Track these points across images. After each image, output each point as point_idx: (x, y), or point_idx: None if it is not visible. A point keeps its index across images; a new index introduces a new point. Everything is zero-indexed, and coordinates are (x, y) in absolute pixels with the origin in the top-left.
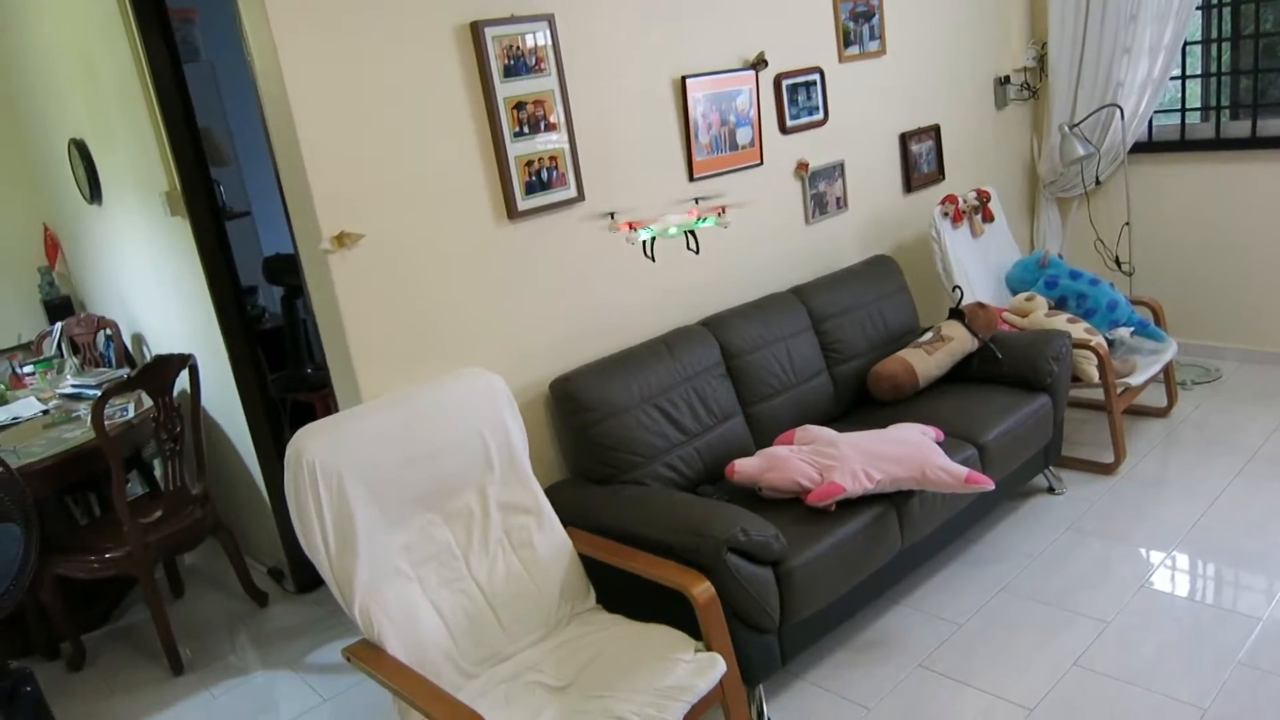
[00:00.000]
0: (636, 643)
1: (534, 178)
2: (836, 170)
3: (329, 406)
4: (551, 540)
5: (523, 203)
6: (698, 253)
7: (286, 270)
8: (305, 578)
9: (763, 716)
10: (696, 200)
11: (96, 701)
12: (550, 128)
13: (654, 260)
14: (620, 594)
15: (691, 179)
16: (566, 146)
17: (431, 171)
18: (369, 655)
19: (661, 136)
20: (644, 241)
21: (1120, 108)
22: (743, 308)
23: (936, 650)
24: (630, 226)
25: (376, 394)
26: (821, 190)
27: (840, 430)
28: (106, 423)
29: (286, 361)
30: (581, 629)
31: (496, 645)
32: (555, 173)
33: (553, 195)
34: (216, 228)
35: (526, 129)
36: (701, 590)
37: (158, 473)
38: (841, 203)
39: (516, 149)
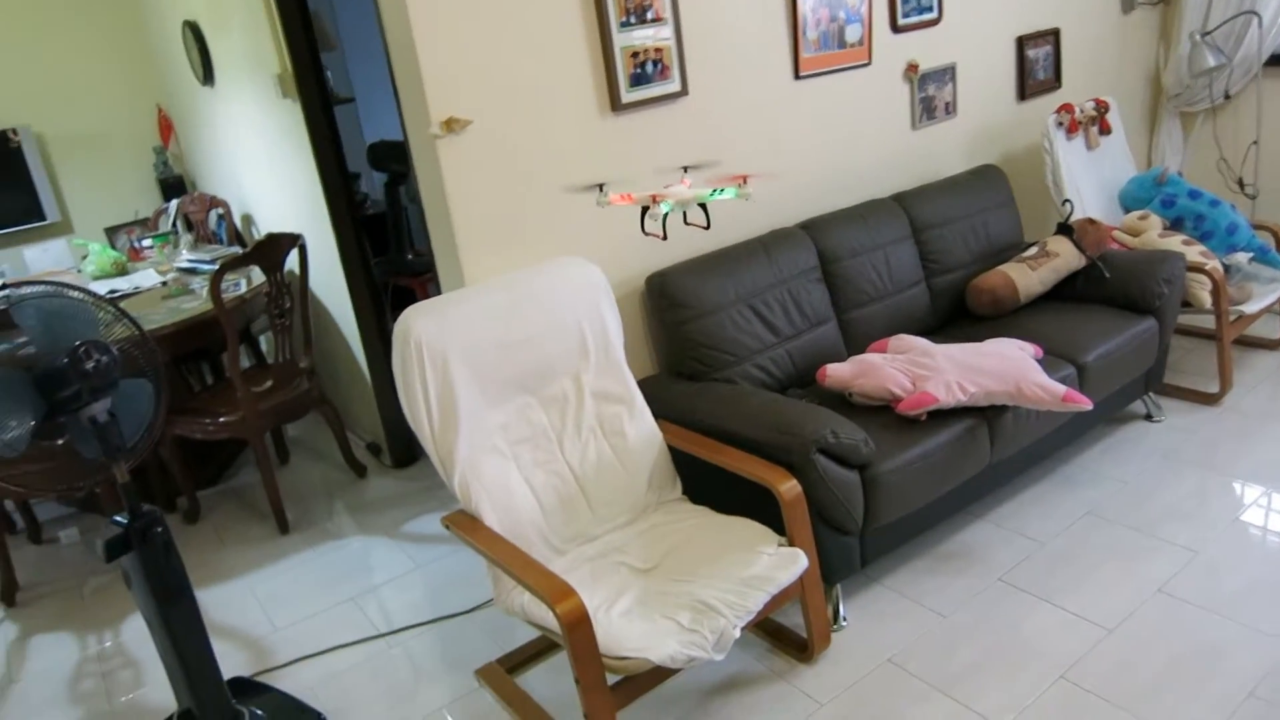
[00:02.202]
0: (720, 533)
1: (639, 70)
2: (947, 74)
3: (428, 292)
4: (641, 430)
5: (626, 95)
6: (708, 227)
7: (391, 157)
8: (401, 453)
9: (838, 615)
10: (685, 169)
11: (210, 552)
12: (657, 19)
13: (665, 238)
14: (705, 487)
15: (797, 76)
16: (673, 39)
17: (539, 60)
18: (467, 524)
19: (768, 32)
20: (663, 216)
21: (1258, 15)
22: (842, 212)
23: (1017, 566)
24: (626, 200)
25: (479, 278)
26: (930, 94)
27: (934, 342)
28: (221, 295)
29: (389, 246)
30: (666, 517)
31: (584, 525)
32: (660, 66)
33: (656, 89)
34: (326, 112)
35: (633, 19)
36: (788, 488)
37: (264, 347)
38: (950, 108)
39: (622, 40)
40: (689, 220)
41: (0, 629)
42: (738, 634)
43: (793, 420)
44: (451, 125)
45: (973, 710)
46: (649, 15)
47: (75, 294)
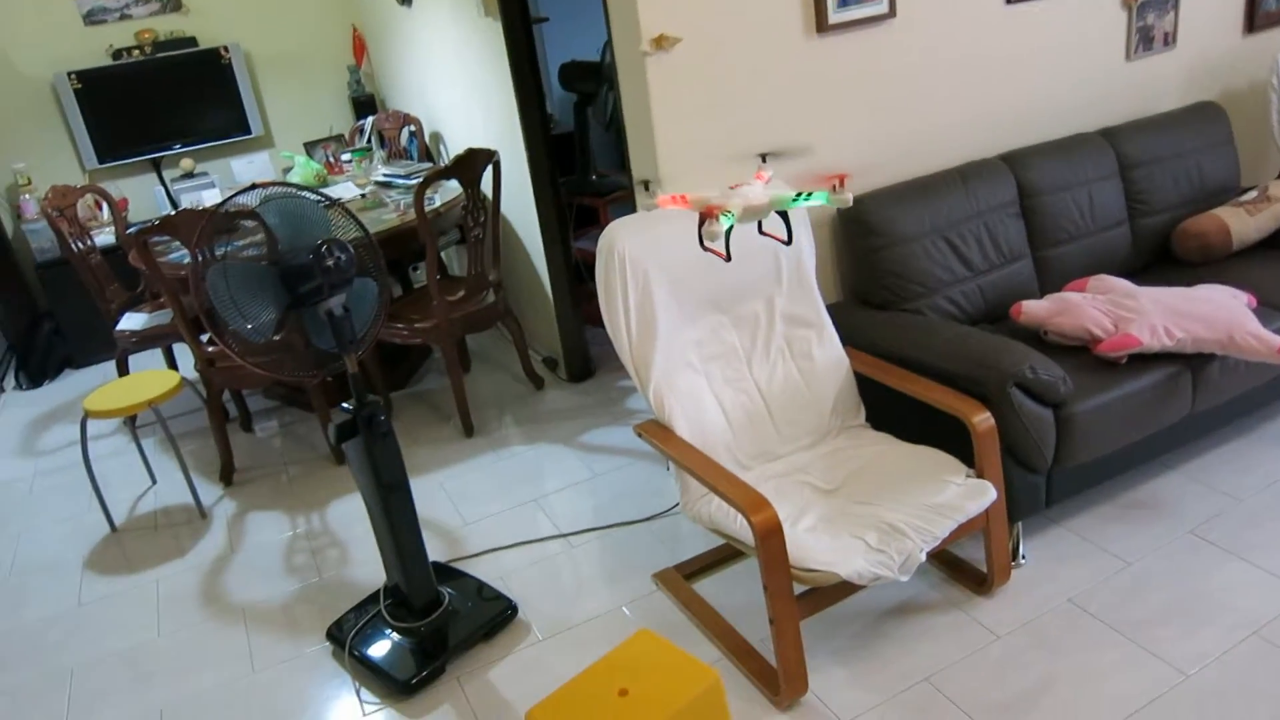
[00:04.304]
0: (906, 460)
1: None
2: (1169, 1)
3: (609, 213)
4: (829, 354)
5: (834, 15)
6: (789, 242)
7: (581, 77)
8: (577, 368)
9: (1018, 552)
10: (763, 158)
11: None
12: None
13: (729, 259)
14: (887, 415)
15: (1009, 1)
16: None
17: None
18: (659, 433)
19: None
20: (725, 231)
21: None
22: (1045, 145)
23: (1210, 520)
24: (679, 203)
25: None
26: (1149, 23)
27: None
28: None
29: (573, 167)
30: (850, 441)
31: (769, 444)
32: None
33: (864, 9)
34: (526, 31)
35: None
36: (982, 419)
37: (448, 262)
38: (1170, 39)
39: None
40: (764, 230)
41: (220, 505)
42: (923, 558)
43: (990, 352)
44: (661, 43)
45: (1157, 656)
46: None
47: (311, 196)
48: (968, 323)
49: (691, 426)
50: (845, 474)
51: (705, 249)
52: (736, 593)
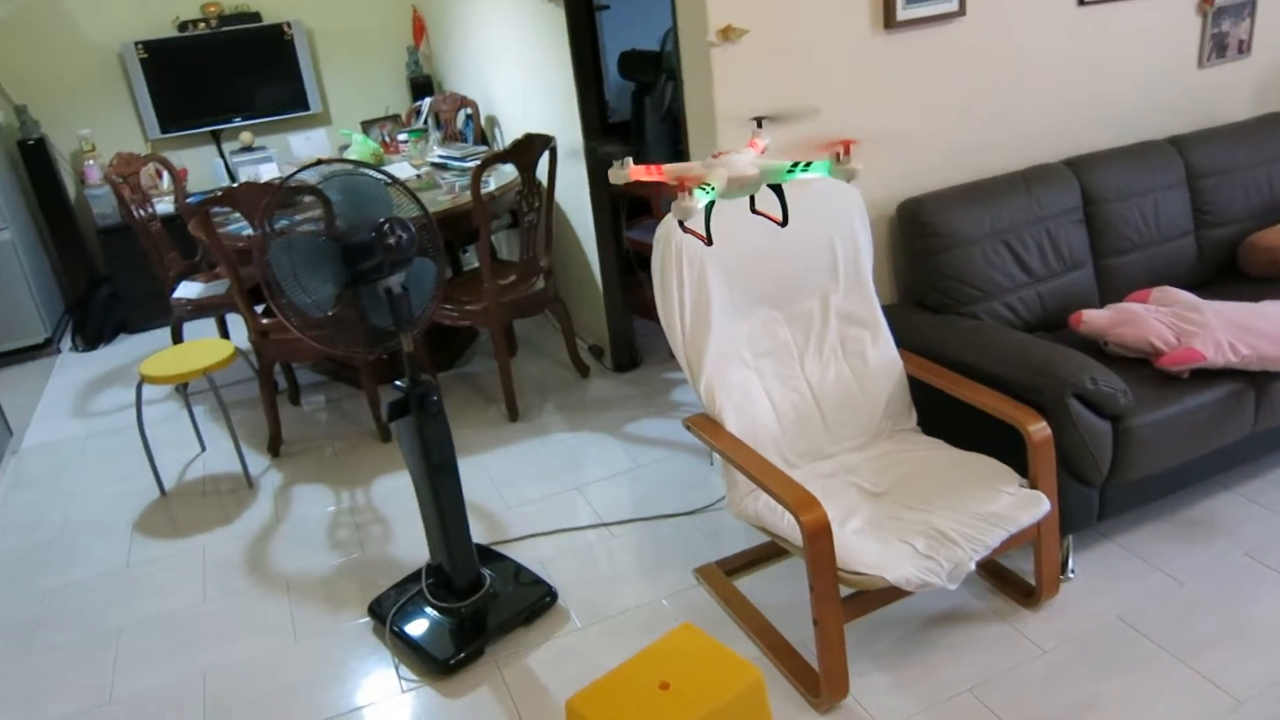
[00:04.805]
0: (958, 467)
1: None
2: (1246, 7)
3: (661, 203)
4: (882, 356)
5: (903, 11)
6: (784, 223)
7: (640, 66)
8: (623, 358)
9: (1067, 566)
10: (759, 122)
11: None
12: None
13: (711, 243)
14: (938, 419)
15: (1081, 2)
16: None
17: None
18: (708, 427)
19: None
20: (705, 208)
21: None
22: (1111, 152)
23: (1267, 543)
24: (654, 174)
25: None
26: (1224, 30)
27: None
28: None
29: (633, 155)
30: (900, 445)
31: (819, 443)
32: None
33: (934, 6)
34: (588, 18)
35: None
36: (1038, 429)
37: (497, 246)
38: (1244, 46)
39: None
40: (757, 209)
41: (267, 475)
42: (973, 567)
43: (1048, 361)
44: (729, 34)
45: (1209, 681)
46: None
47: (374, 175)
48: (1025, 330)
49: (741, 422)
50: (895, 477)
51: (684, 230)
52: (778, 591)
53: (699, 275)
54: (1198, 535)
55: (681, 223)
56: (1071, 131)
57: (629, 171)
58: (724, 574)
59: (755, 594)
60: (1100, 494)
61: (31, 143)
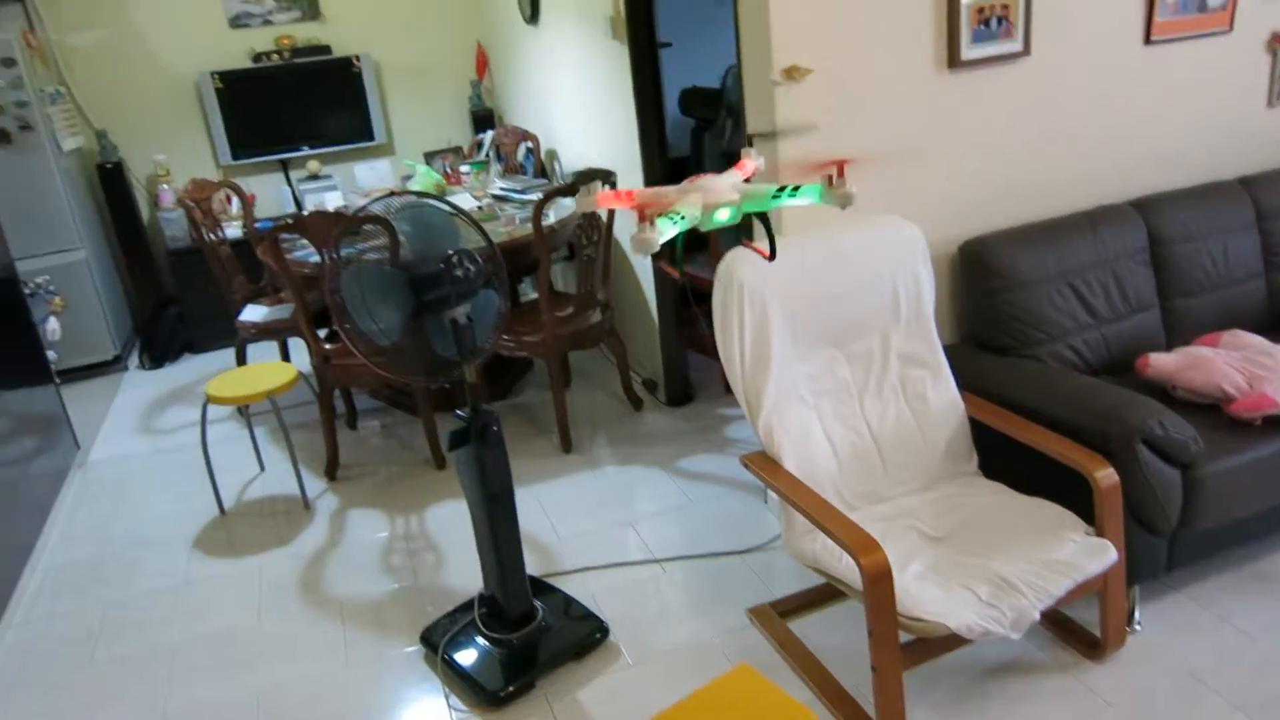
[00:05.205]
0: (1021, 513)
1: (982, 25)
2: None
3: (720, 240)
4: (944, 397)
5: (967, 51)
6: (771, 257)
7: (701, 103)
8: (676, 393)
9: (1133, 617)
10: (751, 142)
11: None
12: None
13: (681, 277)
14: (1002, 464)
15: (1148, 41)
16: None
17: (882, 12)
18: (767, 466)
19: None
20: (674, 239)
21: None
22: (1178, 192)
23: None
24: (623, 199)
25: (797, 228)
26: None
27: (1272, 342)
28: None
29: None
30: (961, 488)
31: (877, 485)
32: (1005, 23)
33: (998, 47)
34: (651, 56)
35: None
36: (1105, 475)
37: (553, 278)
38: None
39: None
40: (745, 239)
41: (323, 498)
42: (1037, 616)
43: (1116, 406)
44: (793, 74)
45: None
46: None
47: (443, 207)
48: (1089, 373)
49: (800, 461)
50: (955, 522)
51: (746, 245)
52: (833, 635)
53: (760, 313)
54: (1272, 589)
55: (742, 240)
56: (1137, 171)
57: (596, 198)
58: (778, 615)
59: (810, 637)
60: (1169, 544)
61: (110, 166)
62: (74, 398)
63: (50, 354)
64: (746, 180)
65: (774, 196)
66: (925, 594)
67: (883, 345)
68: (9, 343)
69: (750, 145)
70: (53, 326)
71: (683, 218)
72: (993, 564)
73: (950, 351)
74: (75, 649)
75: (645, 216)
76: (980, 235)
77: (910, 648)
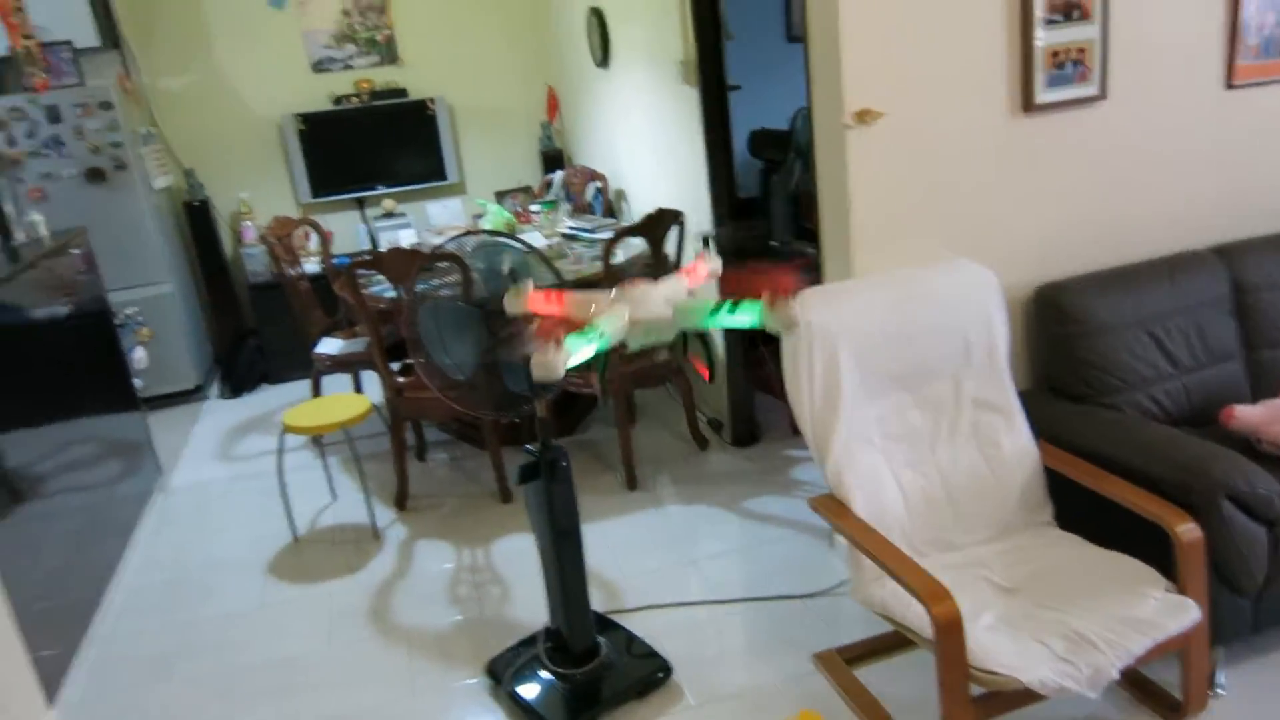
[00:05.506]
0: (1098, 566)
1: (1057, 70)
2: None
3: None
4: (1018, 444)
5: (1042, 95)
6: (711, 379)
7: (770, 145)
8: (742, 433)
9: (1216, 680)
10: (707, 242)
11: None
12: (1084, 17)
13: (711, 380)
14: (1077, 515)
15: (1229, 85)
16: (1098, 38)
17: (954, 55)
18: (835, 510)
19: (1201, 36)
20: (599, 362)
21: None
22: (1263, 239)
23: None
24: (554, 301)
25: (867, 270)
26: None
27: None
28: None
29: (758, 232)
30: (1035, 539)
31: (947, 533)
32: (1080, 67)
33: (1073, 90)
34: (720, 99)
35: (1060, 16)
36: (1186, 530)
37: None
38: None
39: (1046, 38)
40: (689, 355)
41: (392, 528)
42: (1115, 675)
43: (1199, 458)
44: (865, 117)
45: None
46: (1075, 13)
47: (518, 246)
48: (1170, 424)
49: (868, 505)
50: (1028, 573)
51: (688, 358)
52: (900, 684)
53: (830, 355)
54: None
55: (685, 348)
56: (1217, 217)
57: (526, 299)
58: (844, 661)
59: (876, 685)
60: (1255, 604)
61: (196, 204)
62: (157, 424)
63: (137, 382)
64: (693, 290)
65: (713, 313)
66: (998, 646)
67: (955, 389)
68: (101, 371)
69: (706, 245)
70: (140, 355)
71: (602, 334)
72: (1068, 618)
73: (1024, 397)
74: (154, 667)
75: (549, 336)
76: (1056, 280)
77: (981, 701)
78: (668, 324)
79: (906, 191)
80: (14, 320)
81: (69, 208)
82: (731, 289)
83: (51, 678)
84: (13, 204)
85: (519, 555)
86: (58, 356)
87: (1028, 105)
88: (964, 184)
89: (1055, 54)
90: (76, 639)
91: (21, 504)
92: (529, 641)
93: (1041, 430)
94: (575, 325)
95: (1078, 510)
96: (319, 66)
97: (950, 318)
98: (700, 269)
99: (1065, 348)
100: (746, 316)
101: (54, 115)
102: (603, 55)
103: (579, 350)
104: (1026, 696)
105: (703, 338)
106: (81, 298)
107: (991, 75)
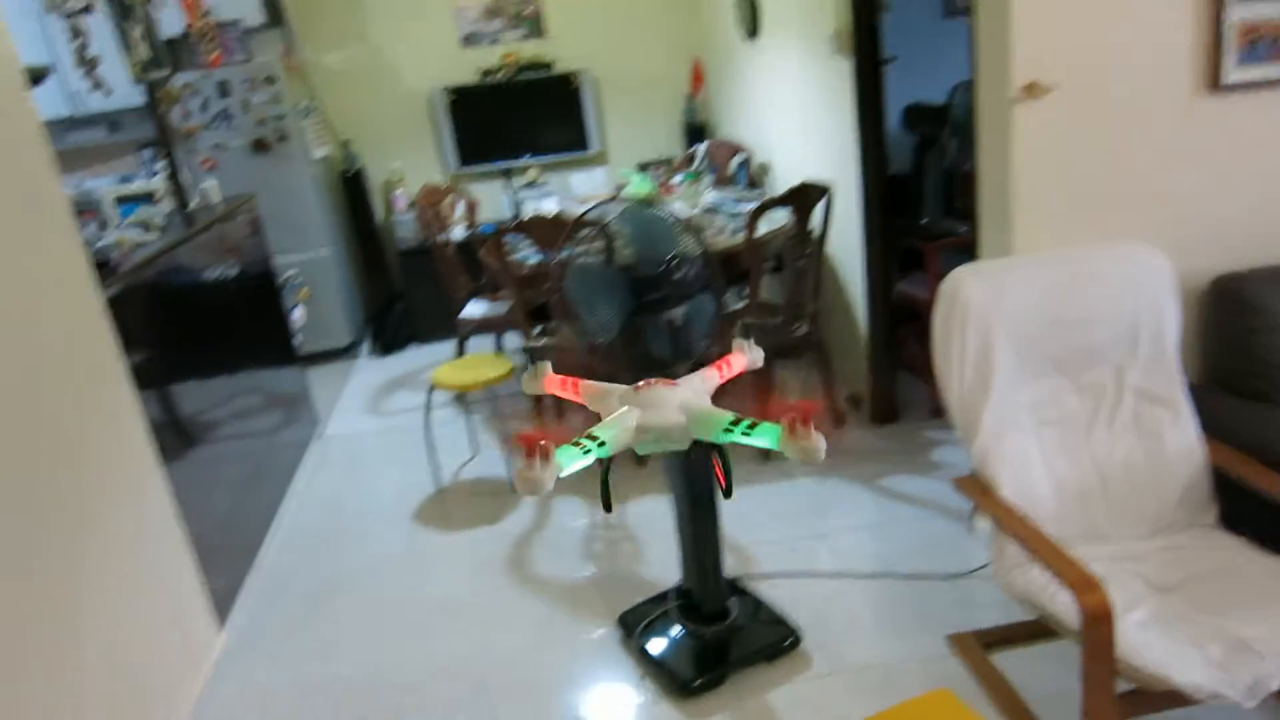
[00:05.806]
0: (1267, 573)
1: (1249, 47)
2: None
3: (938, 258)
4: (1183, 439)
5: (1232, 74)
6: (728, 495)
7: (925, 120)
8: (881, 411)
9: None
10: (748, 333)
11: None
12: None
13: (728, 495)
14: (1246, 518)
15: None
16: None
17: (1132, 29)
18: (979, 491)
19: None
20: (601, 476)
21: None
22: None
23: None
24: (569, 389)
25: (1028, 250)
26: None
27: None
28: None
29: (904, 208)
30: (1195, 541)
31: (1097, 524)
32: (1278, 44)
33: (1268, 70)
34: (874, 71)
35: None
36: None
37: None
38: None
39: (1239, 12)
40: (715, 457)
41: None
42: (1276, 686)
43: None
44: (1033, 91)
45: None
46: None
47: (664, 214)
48: None
49: (1015, 490)
50: (1186, 574)
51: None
52: (1040, 674)
53: (984, 334)
54: None
55: (713, 457)
56: None
57: (543, 382)
58: (980, 646)
59: (1013, 672)
60: None
61: (351, 173)
62: (313, 379)
63: (296, 339)
64: (726, 382)
65: (726, 430)
66: (1148, 644)
67: (1116, 378)
68: (266, 327)
69: (748, 336)
70: (299, 314)
71: (601, 444)
72: (1229, 624)
73: (1194, 392)
74: (310, 599)
75: (535, 449)
76: (1237, 270)
77: (1125, 699)
78: (680, 431)
79: (1074, 170)
80: (190, 280)
81: (236, 176)
82: (754, 407)
83: (222, 604)
84: (189, 172)
85: (651, 516)
86: (228, 313)
87: (1214, 84)
88: (1137, 165)
89: (1248, 31)
90: (243, 571)
91: (196, 448)
92: (660, 598)
93: (1211, 427)
94: (564, 436)
95: (1247, 513)
96: (468, 41)
97: (1117, 303)
98: (735, 362)
99: (1244, 343)
100: (763, 440)
101: (224, 90)
102: (752, 28)
103: (571, 464)
104: (1175, 698)
105: (721, 452)
106: (249, 259)
107: (1174, 51)
